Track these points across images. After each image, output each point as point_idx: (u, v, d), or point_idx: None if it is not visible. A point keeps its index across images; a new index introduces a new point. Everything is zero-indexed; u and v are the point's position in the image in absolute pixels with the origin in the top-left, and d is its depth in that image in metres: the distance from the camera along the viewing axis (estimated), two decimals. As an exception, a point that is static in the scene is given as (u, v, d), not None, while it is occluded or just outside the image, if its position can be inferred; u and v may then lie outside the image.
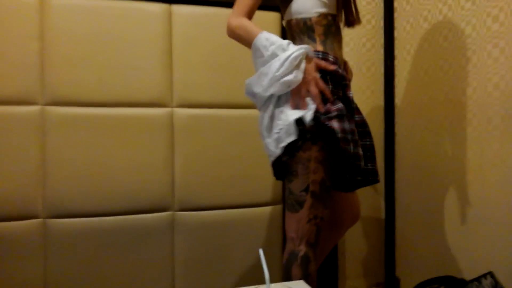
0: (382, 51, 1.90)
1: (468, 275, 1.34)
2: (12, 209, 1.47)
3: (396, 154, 1.85)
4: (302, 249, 1.09)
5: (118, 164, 1.57)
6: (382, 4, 1.89)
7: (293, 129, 1.04)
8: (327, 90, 1.06)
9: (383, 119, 1.89)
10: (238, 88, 1.66)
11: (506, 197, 1.27)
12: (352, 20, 1.24)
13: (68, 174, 1.52)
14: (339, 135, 1.03)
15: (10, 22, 1.48)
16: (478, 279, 1.06)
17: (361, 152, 1.09)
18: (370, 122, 1.83)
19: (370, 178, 1.20)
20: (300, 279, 1.07)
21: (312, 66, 1.05)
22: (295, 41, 1.18)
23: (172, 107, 1.65)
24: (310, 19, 1.13)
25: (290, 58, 1.01)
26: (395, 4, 1.85)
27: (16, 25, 1.48)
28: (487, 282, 1.04)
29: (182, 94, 1.65)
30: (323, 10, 1.13)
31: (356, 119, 1.19)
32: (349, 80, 1.23)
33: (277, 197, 1.74)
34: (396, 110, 1.85)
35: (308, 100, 1.05)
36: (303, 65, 1.03)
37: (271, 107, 1.08)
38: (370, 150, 1.20)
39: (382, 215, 1.89)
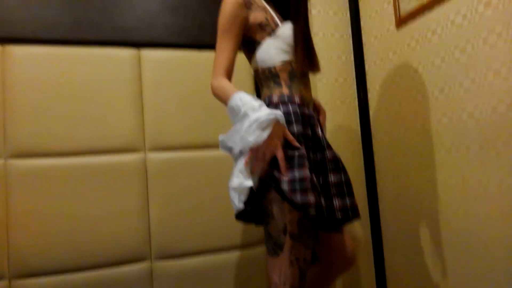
0: (354, 85, 1.92)
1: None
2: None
3: (378, 186, 1.83)
4: None
5: (89, 214, 1.48)
6: (350, 40, 1.93)
7: (246, 192, 1.08)
8: (283, 161, 1.06)
9: (361, 152, 1.89)
10: (211, 128, 1.63)
11: (490, 226, 1.26)
12: (313, 68, 1.26)
13: (36, 229, 1.41)
14: (285, 187, 1.05)
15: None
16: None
17: (311, 199, 1.04)
18: (348, 156, 1.84)
19: (350, 214, 1.16)
20: None
21: (278, 133, 1.07)
22: (262, 87, 1.23)
23: (144, 151, 1.58)
24: (274, 67, 1.19)
25: (259, 121, 1.04)
26: (364, 39, 1.90)
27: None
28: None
29: (154, 137, 1.60)
30: (286, 58, 1.19)
31: (328, 156, 1.17)
32: (319, 119, 1.24)
33: (260, 237, 1.66)
34: (374, 141, 1.85)
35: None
36: (268, 130, 1.05)
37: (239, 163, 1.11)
38: (346, 185, 1.17)
39: (369, 245, 1.84)
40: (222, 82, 1.13)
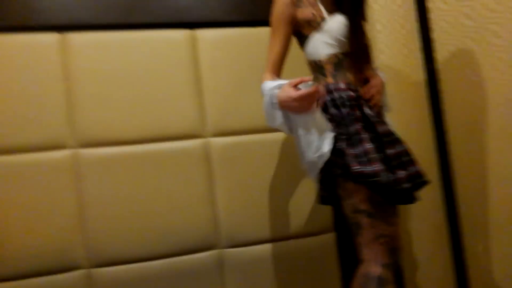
0: (420, 55, 1.78)
1: None
2: (52, 262, 1.37)
3: (454, 163, 1.70)
4: (377, 271, 1.09)
5: (156, 203, 1.47)
6: (415, 6, 1.78)
7: (315, 166, 1.18)
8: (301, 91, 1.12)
9: (430, 127, 1.76)
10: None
11: None
12: (365, 61, 1.31)
13: (108, 218, 1.43)
14: (352, 162, 1.11)
15: (31, 63, 1.41)
16: None
17: (378, 168, 1.09)
18: (415, 129, 1.73)
19: (418, 181, 1.16)
20: None
21: (285, 88, 1.15)
22: (313, 78, 1.31)
23: (206, 137, 1.54)
24: (320, 60, 1.27)
25: (266, 91, 1.20)
26: (430, 5, 1.74)
27: (37, 66, 1.41)
28: None
29: (215, 122, 1.56)
30: (331, 51, 1.25)
31: (380, 131, 1.17)
32: (369, 99, 1.25)
33: (328, 224, 1.61)
34: (448, 118, 1.71)
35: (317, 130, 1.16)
36: (276, 91, 1.17)
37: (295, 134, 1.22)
38: (405, 155, 1.18)
39: (444, 232, 1.73)
40: (265, 77, 1.26)
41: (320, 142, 1.15)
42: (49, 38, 1.43)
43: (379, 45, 1.74)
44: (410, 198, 1.22)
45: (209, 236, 1.51)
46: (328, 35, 1.24)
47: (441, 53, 1.71)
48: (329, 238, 1.61)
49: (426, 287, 1.69)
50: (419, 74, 1.78)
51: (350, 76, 1.25)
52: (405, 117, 1.68)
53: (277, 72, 1.28)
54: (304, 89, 1.12)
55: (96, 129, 1.44)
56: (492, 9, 1.42)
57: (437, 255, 1.71)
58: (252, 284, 1.52)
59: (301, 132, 1.18)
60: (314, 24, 1.26)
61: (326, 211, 1.59)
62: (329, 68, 1.26)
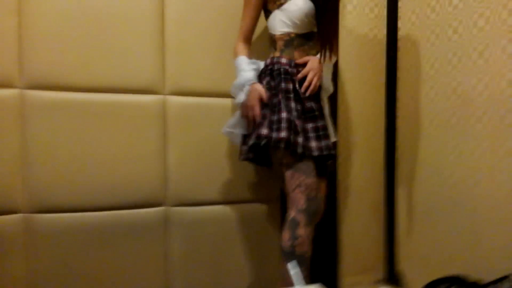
0: (384, 41, 1.83)
1: (479, 276, 1.31)
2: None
3: (398, 150, 1.80)
4: (291, 214, 1.27)
5: (105, 154, 1.45)
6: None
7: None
8: (257, 117, 1.33)
9: (384, 114, 1.84)
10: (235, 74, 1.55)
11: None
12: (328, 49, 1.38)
13: (51, 164, 1.39)
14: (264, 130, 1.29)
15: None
16: (495, 282, 1.03)
17: (282, 135, 1.25)
18: (369, 116, 1.81)
19: (325, 153, 1.31)
20: (288, 241, 1.23)
21: (253, 94, 1.33)
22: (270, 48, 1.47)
23: (164, 94, 1.52)
24: (274, 35, 1.42)
25: (237, 84, 1.39)
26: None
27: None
28: (504, 286, 1.01)
29: (175, 80, 1.53)
30: (285, 30, 1.38)
31: (306, 106, 1.33)
32: (304, 74, 1.36)
33: (275, 194, 1.66)
34: (399, 105, 1.80)
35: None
36: (244, 91, 1.37)
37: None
38: (322, 129, 1.35)
39: (382, 207, 1.86)
40: (237, 45, 1.43)
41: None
42: (4, -33, 1.33)
43: (346, 27, 1.77)
44: (322, 163, 1.39)
45: (157, 193, 1.51)
46: (285, 15, 1.36)
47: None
48: (274, 207, 1.67)
49: (359, 256, 1.83)
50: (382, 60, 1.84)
51: (296, 54, 1.39)
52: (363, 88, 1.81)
53: (248, 41, 1.44)
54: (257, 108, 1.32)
55: (46, 71, 1.38)
56: (454, 5, 1.49)
57: (372, 229, 1.84)
58: (194, 243, 1.55)
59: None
60: (277, 2, 1.37)
61: (275, 181, 1.64)
62: (280, 44, 1.39)
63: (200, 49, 1.55)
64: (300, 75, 1.36)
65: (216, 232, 1.58)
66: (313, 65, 1.37)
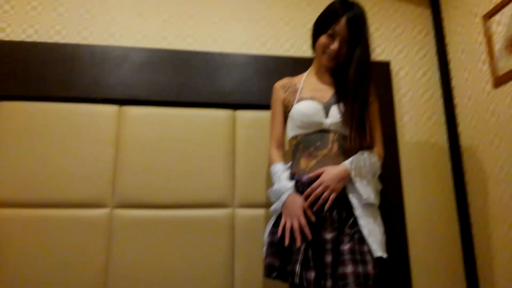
0: (446, 147, 1.84)
1: None
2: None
3: (477, 259, 1.67)
4: None
5: (178, 266, 1.54)
6: (441, 101, 1.89)
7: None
8: (306, 228, 1.23)
9: (457, 221, 1.76)
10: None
11: None
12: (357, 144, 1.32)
13: (130, 276, 1.50)
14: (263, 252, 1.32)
15: (90, 130, 1.61)
16: None
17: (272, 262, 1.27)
18: (442, 224, 1.73)
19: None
20: None
21: (297, 204, 1.26)
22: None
23: (233, 207, 1.64)
24: (288, 140, 1.45)
25: (273, 190, 1.35)
26: (456, 100, 1.84)
27: (94, 132, 1.61)
28: None
29: (243, 194, 1.65)
30: (291, 133, 1.41)
31: (323, 237, 1.25)
32: (315, 195, 1.27)
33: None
34: (471, 210, 1.72)
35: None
36: (283, 197, 1.30)
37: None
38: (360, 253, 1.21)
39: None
40: (271, 152, 1.45)
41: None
42: (109, 109, 1.65)
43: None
44: None
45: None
46: (291, 120, 1.40)
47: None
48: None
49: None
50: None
51: (302, 163, 1.36)
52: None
53: (281, 146, 1.46)
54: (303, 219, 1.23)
55: (134, 192, 1.58)
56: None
57: None
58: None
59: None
60: (288, 109, 1.43)
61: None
62: (291, 150, 1.43)
63: (263, 166, 1.68)
64: (305, 193, 1.27)
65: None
66: (325, 177, 1.26)
